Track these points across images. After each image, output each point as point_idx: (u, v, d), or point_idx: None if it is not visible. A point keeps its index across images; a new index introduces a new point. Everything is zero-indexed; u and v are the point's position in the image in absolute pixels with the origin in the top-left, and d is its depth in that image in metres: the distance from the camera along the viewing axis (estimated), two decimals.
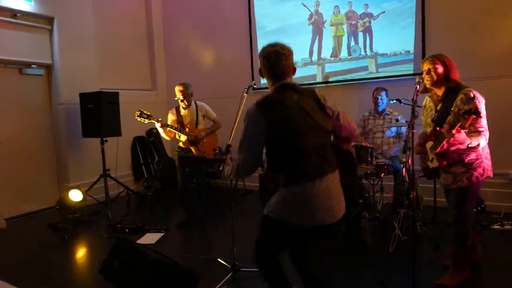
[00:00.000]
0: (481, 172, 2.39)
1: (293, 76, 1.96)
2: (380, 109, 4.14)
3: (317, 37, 5.05)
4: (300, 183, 1.79)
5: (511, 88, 4.05)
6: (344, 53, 4.86)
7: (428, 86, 2.52)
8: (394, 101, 4.01)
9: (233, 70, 5.81)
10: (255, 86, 3.17)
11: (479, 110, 2.08)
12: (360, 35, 4.71)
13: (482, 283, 2.64)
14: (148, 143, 6.23)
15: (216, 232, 4.05)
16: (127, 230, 4.05)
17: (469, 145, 2.26)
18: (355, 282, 2.74)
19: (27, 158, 4.83)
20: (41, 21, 4.86)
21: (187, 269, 2.58)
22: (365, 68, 4.71)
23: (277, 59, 1.85)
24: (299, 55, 5.13)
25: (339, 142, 2.04)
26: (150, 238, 3.82)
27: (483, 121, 2.33)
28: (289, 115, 1.81)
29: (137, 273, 2.38)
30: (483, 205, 3.71)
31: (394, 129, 4.08)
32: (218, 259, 3.11)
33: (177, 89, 4.04)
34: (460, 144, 2.27)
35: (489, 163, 2.45)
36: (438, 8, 4.35)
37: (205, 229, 4.12)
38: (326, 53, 5.01)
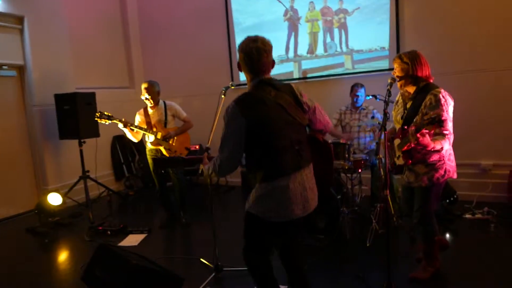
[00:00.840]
0: (442, 173, 2.43)
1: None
2: (358, 104, 4.23)
3: (293, 33, 5.08)
4: (277, 178, 1.85)
5: (483, 82, 4.20)
6: (320, 50, 4.92)
7: (398, 86, 2.54)
8: (370, 96, 4.11)
9: (211, 66, 5.78)
10: (233, 88, 3.18)
11: (443, 118, 2.14)
12: (336, 31, 4.77)
13: (453, 273, 2.77)
14: (128, 142, 6.12)
15: (198, 232, 4.08)
16: (109, 232, 4.03)
17: (433, 149, 2.28)
18: (333, 276, 2.83)
19: (3, 161, 4.71)
20: (11, 21, 4.69)
21: (170, 273, 2.62)
22: (341, 65, 4.79)
23: (258, 56, 1.87)
24: (275, 52, 4.93)
25: (315, 133, 2.09)
26: (132, 240, 3.83)
27: (449, 125, 2.34)
28: (267, 112, 1.85)
29: (118, 280, 2.39)
30: (455, 196, 3.86)
31: (369, 122, 4.19)
32: (201, 259, 3.14)
33: (142, 87, 3.92)
34: (425, 147, 2.28)
35: (452, 164, 2.49)
36: (411, 4, 4.44)
37: (187, 229, 4.14)
38: (302, 49, 5.06)
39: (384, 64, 4.57)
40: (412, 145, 2.33)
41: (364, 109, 4.26)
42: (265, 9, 5.21)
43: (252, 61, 1.89)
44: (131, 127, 3.81)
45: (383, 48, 4.56)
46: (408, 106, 2.53)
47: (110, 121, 3.78)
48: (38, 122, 4.96)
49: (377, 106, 4.25)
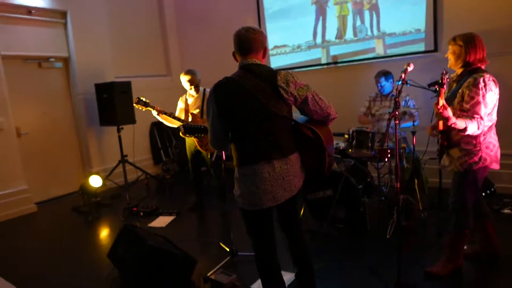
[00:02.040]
0: (477, 160, 2.32)
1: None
2: (385, 93, 4.05)
3: (321, 17, 4.89)
4: (244, 166, 1.91)
5: None
6: (349, 34, 4.71)
7: (449, 66, 2.43)
8: (400, 82, 3.90)
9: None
10: None
11: (475, 100, 2.06)
12: (366, 13, 4.52)
13: (478, 272, 2.62)
14: (165, 128, 6.43)
15: (223, 216, 4.21)
16: (141, 213, 4.32)
17: (453, 125, 2.16)
18: (346, 267, 2.79)
19: (53, 146, 5.19)
20: (55, 15, 5.07)
21: (183, 255, 2.76)
22: (372, 50, 4.55)
23: (246, 42, 1.90)
24: (302, 38, 5.02)
25: (311, 124, 1.97)
26: (161, 221, 4.07)
27: (482, 109, 2.21)
28: (238, 101, 1.86)
29: (135, 259, 2.58)
30: (492, 189, 3.59)
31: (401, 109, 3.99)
32: (220, 243, 3.26)
33: (185, 79, 3.88)
34: (447, 121, 2.14)
35: (491, 153, 2.35)
36: None
37: (214, 213, 4.30)
38: (331, 34, 4.86)
39: (420, 47, 4.28)
40: (441, 126, 2.26)
41: (394, 95, 4.06)
42: None
43: (239, 46, 1.93)
44: (165, 115, 3.88)
45: (419, 30, 4.26)
46: (452, 88, 2.44)
47: (145, 108, 3.86)
48: (82, 109, 5.36)
49: (410, 92, 4.02)
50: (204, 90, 4.06)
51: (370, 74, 4.53)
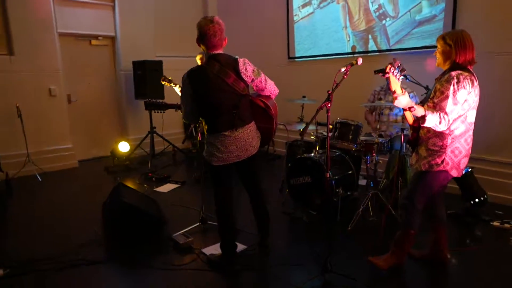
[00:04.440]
0: (439, 162, 2.27)
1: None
2: None
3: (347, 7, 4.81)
4: (216, 133, 2.44)
5: None
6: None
7: (436, 65, 2.38)
8: (402, 77, 3.78)
9: (272, 37, 5.97)
10: None
11: (444, 95, 2.12)
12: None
13: (416, 274, 2.60)
14: None
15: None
16: (153, 179, 4.89)
17: (413, 111, 2.14)
18: (298, 249, 2.94)
19: (97, 113, 6.02)
20: None
21: (156, 215, 3.20)
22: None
23: (211, 35, 2.33)
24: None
25: (262, 98, 2.57)
26: (166, 187, 4.58)
27: (449, 105, 2.13)
28: (208, 83, 2.34)
29: (113, 211, 3.08)
30: (482, 198, 3.36)
31: (401, 111, 3.87)
32: (201, 211, 3.61)
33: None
34: (404, 109, 2.18)
35: (455, 159, 2.28)
36: None
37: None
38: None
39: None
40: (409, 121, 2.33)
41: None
42: None
43: (205, 39, 2.36)
44: None
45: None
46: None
47: (169, 84, 4.34)
48: (123, 83, 6.09)
49: (415, 88, 3.86)
50: None
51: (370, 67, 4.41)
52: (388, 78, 2.13)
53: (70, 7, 5.46)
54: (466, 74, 2.17)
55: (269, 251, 2.81)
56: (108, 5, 5.83)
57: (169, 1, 6.49)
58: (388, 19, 4.52)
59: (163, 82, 4.32)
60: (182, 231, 3.20)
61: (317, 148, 3.76)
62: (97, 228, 3.26)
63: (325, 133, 3.79)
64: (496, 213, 3.44)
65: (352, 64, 2.36)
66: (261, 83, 2.51)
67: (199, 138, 3.35)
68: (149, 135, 5.82)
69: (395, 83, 2.13)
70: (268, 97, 2.61)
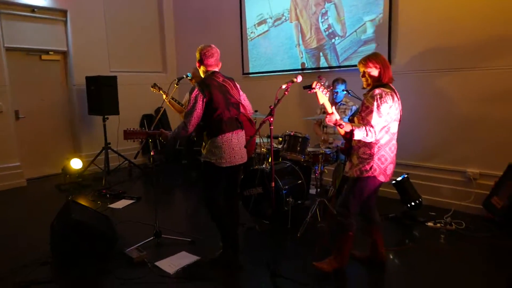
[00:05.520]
0: (367, 168, 2.50)
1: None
2: (337, 100, 4.23)
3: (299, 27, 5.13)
4: (222, 134, 2.71)
5: (473, 82, 3.83)
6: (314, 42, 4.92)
7: (364, 87, 2.61)
8: (345, 92, 4.09)
9: (228, 56, 6.15)
10: (188, 78, 3.58)
11: (368, 109, 2.39)
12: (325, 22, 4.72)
13: (357, 275, 2.81)
14: (156, 121, 6.93)
15: (182, 207, 4.59)
16: (108, 195, 4.81)
17: (340, 127, 2.36)
18: (252, 258, 3.05)
19: (47, 130, 5.83)
20: (56, 14, 5.69)
21: (107, 232, 3.18)
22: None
23: (211, 55, 2.78)
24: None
25: (245, 114, 3.02)
26: (120, 204, 4.52)
27: (374, 118, 2.38)
28: (216, 88, 2.71)
29: (63, 230, 3.02)
30: (417, 201, 3.69)
31: (346, 119, 4.16)
32: (154, 225, 3.63)
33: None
34: (335, 124, 2.39)
35: (382, 166, 2.51)
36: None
37: (171, 203, 4.70)
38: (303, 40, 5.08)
39: None
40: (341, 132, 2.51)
41: (343, 104, 4.24)
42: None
43: (204, 60, 2.79)
44: (172, 100, 4.29)
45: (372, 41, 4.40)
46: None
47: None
48: (76, 99, 5.97)
49: (358, 102, 4.18)
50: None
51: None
52: (315, 93, 2.35)
53: (18, 21, 5.32)
54: (388, 90, 2.45)
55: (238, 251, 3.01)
56: (60, 20, 5.74)
57: (123, 16, 6.50)
58: (337, 38, 4.86)
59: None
60: (135, 246, 3.20)
61: (269, 160, 3.93)
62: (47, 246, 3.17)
63: (275, 146, 3.98)
64: (430, 214, 3.78)
65: (292, 81, 2.55)
66: (245, 100, 3.03)
67: (152, 153, 3.39)
68: (103, 151, 5.73)
69: (322, 97, 2.36)
70: (248, 114, 3.08)
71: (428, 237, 3.38)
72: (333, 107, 2.43)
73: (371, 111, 2.40)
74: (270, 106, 2.48)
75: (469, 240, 3.27)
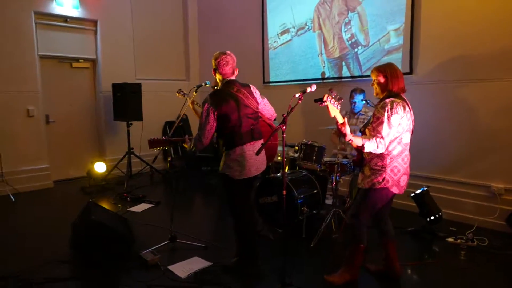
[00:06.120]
0: (380, 180, 2.47)
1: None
2: (356, 110, 4.19)
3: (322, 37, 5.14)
4: (237, 147, 2.68)
5: (496, 93, 3.70)
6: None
7: (374, 95, 2.63)
8: (364, 102, 4.05)
9: (249, 64, 6.25)
10: (207, 86, 3.66)
11: (379, 120, 2.37)
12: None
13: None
14: (177, 127, 7.08)
15: (202, 212, 4.65)
16: (129, 199, 4.95)
17: (350, 142, 2.37)
18: (264, 266, 3.03)
19: (75, 134, 6.10)
20: (87, 24, 5.98)
21: (125, 233, 3.27)
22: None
23: (227, 65, 2.74)
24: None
25: (265, 120, 2.99)
26: (140, 207, 4.64)
27: (384, 129, 2.36)
28: (231, 99, 2.67)
29: (82, 229, 3.14)
30: (437, 215, 3.56)
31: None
32: (170, 229, 3.69)
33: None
34: (344, 137, 2.38)
35: (395, 177, 2.48)
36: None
37: (188, 209, 4.78)
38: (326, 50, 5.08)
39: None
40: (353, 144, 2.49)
41: (362, 114, 4.19)
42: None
43: (219, 68, 2.76)
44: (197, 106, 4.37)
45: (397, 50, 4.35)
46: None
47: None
48: (103, 105, 6.22)
49: None
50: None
51: (344, 92, 4.71)
52: (326, 106, 2.33)
53: (52, 31, 5.63)
54: (399, 101, 2.42)
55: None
56: (91, 30, 6.03)
57: (150, 26, 6.74)
58: (360, 47, 4.83)
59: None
60: (150, 249, 3.27)
61: (285, 168, 3.93)
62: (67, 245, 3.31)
63: (292, 154, 3.98)
64: (451, 230, 3.64)
65: (304, 92, 2.54)
66: (265, 105, 2.94)
67: (169, 159, 3.47)
68: (126, 155, 5.91)
69: (333, 110, 2.35)
70: (270, 119, 3.04)
71: (448, 253, 3.25)
72: (346, 123, 2.38)
73: (382, 122, 2.37)
74: (283, 115, 2.49)
75: (491, 258, 3.13)
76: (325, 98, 2.33)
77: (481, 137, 3.81)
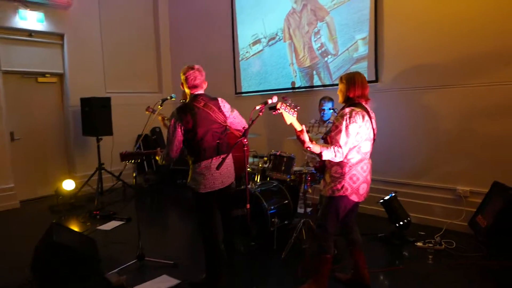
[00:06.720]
0: (339, 188, 2.48)
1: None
2: (325, 118, 4.22)
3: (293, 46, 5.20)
4: (202, 161, 2.68)
5: (458, 99, 3.82)
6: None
7: (339, 102, 2.65)
8: (331, 110, 4.10)
9: (221, 73, 6.25)
10: (173, 99, 3.61)
11: (337, 129, 2.39)
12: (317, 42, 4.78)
13: None
14: (151, 141, 6.99)
15: (169, 229, 4.55)
16: (98, 216, 4.80)
17: (309, 149, 2.37)
18: (234, 280, 3.00)
19: (43, 151, 5.89)
20: (53, 38, 5.84)
21: (89, 253, 3.15)
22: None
23: (194, 79, 2.75)
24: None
25: (234, 131, 2.97)
26: (110, 225, 4.50)
27: (342, 138, 2.38)
28: (196, 114, 2.66)
29: (44, 252, 3.01)
30: (406, 220, 3.61)
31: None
32: (138, 247, 3.57)
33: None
34: (303, 144, 2.38)
35: (354, 185, 2.49)
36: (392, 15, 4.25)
37: (160, 224, 4.67)
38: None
39: None
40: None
41: (331, 122, 4.23)
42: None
43: (187, 82, 2.77)
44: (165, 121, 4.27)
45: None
46: None
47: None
48: (71, 120, 6.05)
49: None
50: None
51: (315, 101, 4.74)
52: (281, 114, 2.33)
53: (16, 45, 5.47)
54: (359, 110, 2.45)
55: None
56: (57, 44, 5.89)
57: (120, 38, 6.65)
58: (329, 56, 4.90)
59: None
60: (116, 269, 3.16)
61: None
62: (28, 269, 3.15)
63: (262, 165, 3.96)
64: (419, 234, 3.69)
65: (265, 103, 2.53)
66: (235, 117, 2.90)
67: (134, 175, 3.40)
68: (97, 171, 5.75)
69: (288, 117, 2.35)
70: (239, 130, 2.98)
71: (417, 257, 3.29)
72: (305, 130, 2.39)
73: (340, 131, 2.39)
74: (243, 127, 2.48)
75: (458, 261, 3.18)
76: (278, 106, 2.33)
77: (446, 141, 3.91)
